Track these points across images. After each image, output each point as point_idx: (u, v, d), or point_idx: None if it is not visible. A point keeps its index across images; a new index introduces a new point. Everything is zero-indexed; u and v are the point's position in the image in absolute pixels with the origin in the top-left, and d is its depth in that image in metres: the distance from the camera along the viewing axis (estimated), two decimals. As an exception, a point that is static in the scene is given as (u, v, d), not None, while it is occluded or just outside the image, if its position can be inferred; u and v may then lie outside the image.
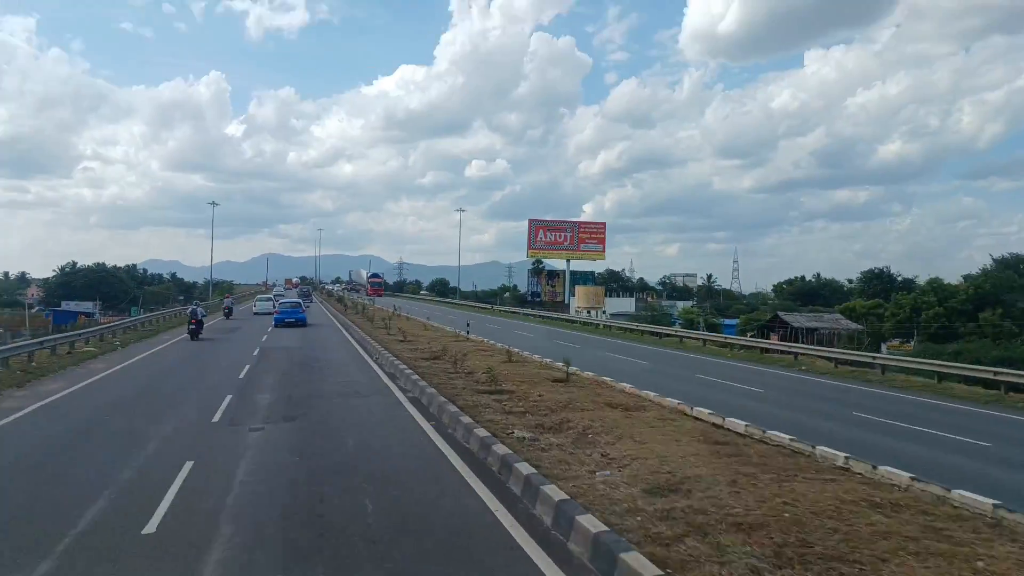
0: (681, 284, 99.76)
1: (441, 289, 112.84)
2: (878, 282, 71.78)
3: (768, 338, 40.12)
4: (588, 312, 55.46)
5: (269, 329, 33.39)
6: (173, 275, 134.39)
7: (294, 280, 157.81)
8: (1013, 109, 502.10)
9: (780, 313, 55.38)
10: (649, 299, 73.78)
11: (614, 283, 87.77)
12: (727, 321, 64.67)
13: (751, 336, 42.01)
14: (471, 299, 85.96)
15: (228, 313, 44.13)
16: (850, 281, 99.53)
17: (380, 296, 79.82)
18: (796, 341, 38.53)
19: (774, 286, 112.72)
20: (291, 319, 34.98)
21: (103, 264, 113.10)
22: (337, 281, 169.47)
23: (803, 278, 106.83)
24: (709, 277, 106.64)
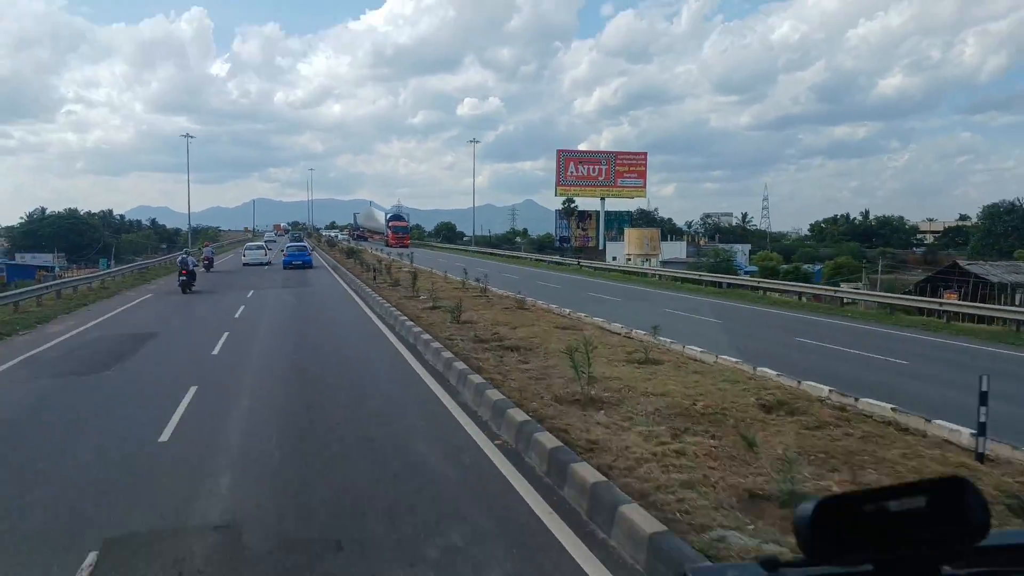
0: (721, 224, 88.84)
1: (448, 235, 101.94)
2: (1009, 219, 59.10)
3: (936, 295, 29.95)
4: (643, 260, 45.81)
5: (250, 294, 24.50)
6: (153, 221, 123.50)
7: (282, 225, 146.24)
8: (1017, 40, 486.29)
9: (962, 262, 40.16)
10: (700, 243, 63.64)
11: (645, 224, 77.66)
12: (804, 266, 55.05)
13: (910, 296, 30.56)
14: (483, 245, 76.31)
15: (208, 265, 35.07)
16: (902, 220, 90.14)
17: (405, 247, 63.33)
18: (990, 301, 28.72)
19: (811, 225, 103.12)
20: (298, 261, 37.13)
21: (75, 210, 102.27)
22: (332, 227, 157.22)
23: (848, 216, 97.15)
24: (744, 216, 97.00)
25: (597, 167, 60.10)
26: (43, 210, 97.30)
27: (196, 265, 26.45)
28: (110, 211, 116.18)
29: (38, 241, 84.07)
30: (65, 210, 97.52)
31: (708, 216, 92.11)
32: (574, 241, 63.36)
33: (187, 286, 24.10)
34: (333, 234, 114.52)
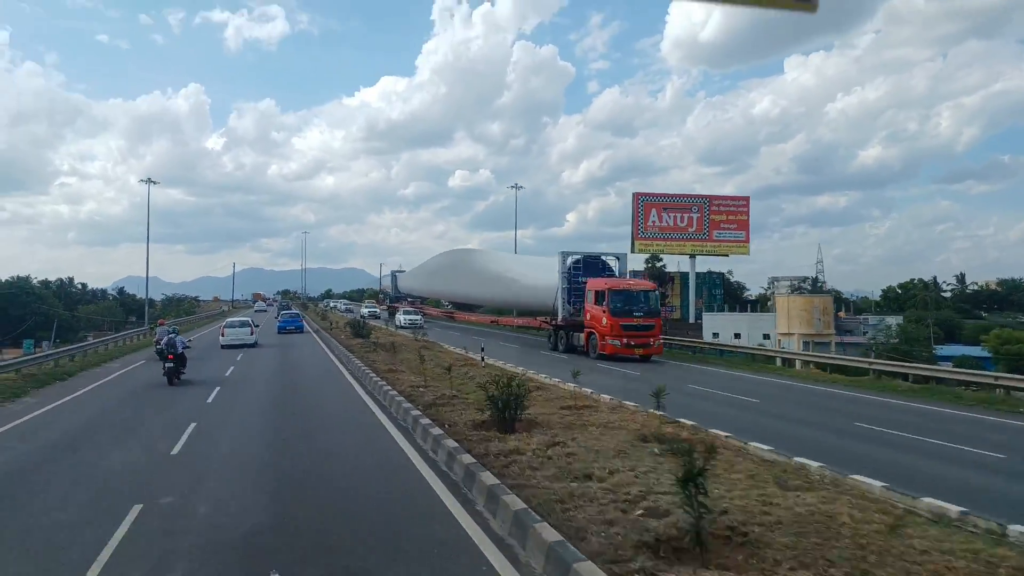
0: (795, 286, 74.13)
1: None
2: None
3: None
4: (807, 343, 30.78)
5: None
6: (121, 291, 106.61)
7: (263, 294, 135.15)
8: (988, 113, 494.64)
9: None
10: (840, 314, 48.69)
11: (718, 290, 62.98)
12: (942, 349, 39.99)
13: None
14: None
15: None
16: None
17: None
18: None
19: (884, 290, 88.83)
20: (291, 327, 42.05)
21: (25, 278, 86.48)
22: (328, 296, 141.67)
23: (923, 281, 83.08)
24: (815, 280, 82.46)
25: (687, 215, 45.79)
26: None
27: (187, 346, 20.84)
28: (70, 279, 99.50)
29: (-30, 315, 68.43)
30: (11, 277, 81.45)
31: (776, 279, 77.66)
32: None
33: (174, 374, 19.05)
34: (340, 305, 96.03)
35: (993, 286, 71.25)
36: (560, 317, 29.90)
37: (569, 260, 29.98)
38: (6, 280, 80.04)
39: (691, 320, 46.65)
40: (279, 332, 40.62)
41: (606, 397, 13.87)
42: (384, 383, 16.10)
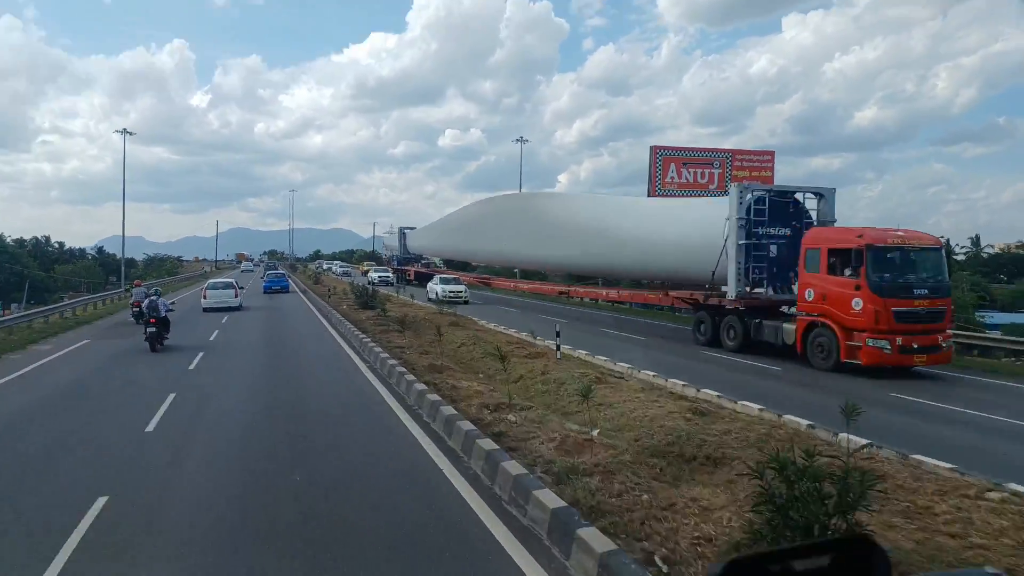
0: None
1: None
2: None
3: None
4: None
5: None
6: (100, 250, 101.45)
7: (246, 254, 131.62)
8: (987, 74, 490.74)
9: None
10: None
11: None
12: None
13: None
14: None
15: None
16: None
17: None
18: None
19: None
20: (277, 287, 42.35)
21: None
22: (318, 257, 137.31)
23: (948, 244, 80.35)
24: None
25: (707, 171, 42.32)
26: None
27: (171, 309, 19.37)
28: (46, 238, 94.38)
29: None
30: None
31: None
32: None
33: (156, 340, 17.65)
34: (328, 267, 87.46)
35: (1015, 248, 68.59)
36: (734, 292, 18.62)
37: (748, 197, 18.70)
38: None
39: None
40: (264, 292, 41.28)
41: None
42: (435, 395, 9.98)
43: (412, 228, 58.19)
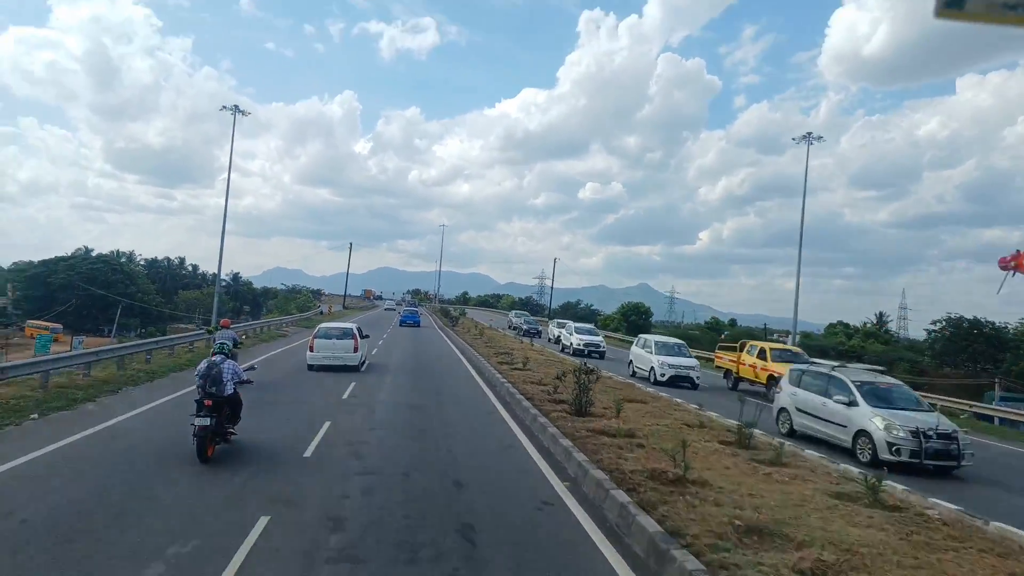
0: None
1: (638, 322, 65.23)
2: None
3: None
4: None
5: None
6: (236, 276, 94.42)
7: (373, 291, 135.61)
8: None
9: None
10: None
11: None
12: None
13: None
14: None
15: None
16: None
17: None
18: None
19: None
20: (411, 321, 48.71)
21: (89, 250, 74.86)
22: (464, 301, 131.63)
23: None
24: (880, 316, 72.62)
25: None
26: (87, 250, 71.63)
27: (244, 380, 10.52)
28: (181, 260, 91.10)
29: (49, 294, 60.39)
30: (77, 250, 72.48)
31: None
32: None
33: (209, 440, 9.32)
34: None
35: None
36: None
37: None
38: (97, 255, 70.19)
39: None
40: (400, 325, 47.09)
41: None
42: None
43: None
